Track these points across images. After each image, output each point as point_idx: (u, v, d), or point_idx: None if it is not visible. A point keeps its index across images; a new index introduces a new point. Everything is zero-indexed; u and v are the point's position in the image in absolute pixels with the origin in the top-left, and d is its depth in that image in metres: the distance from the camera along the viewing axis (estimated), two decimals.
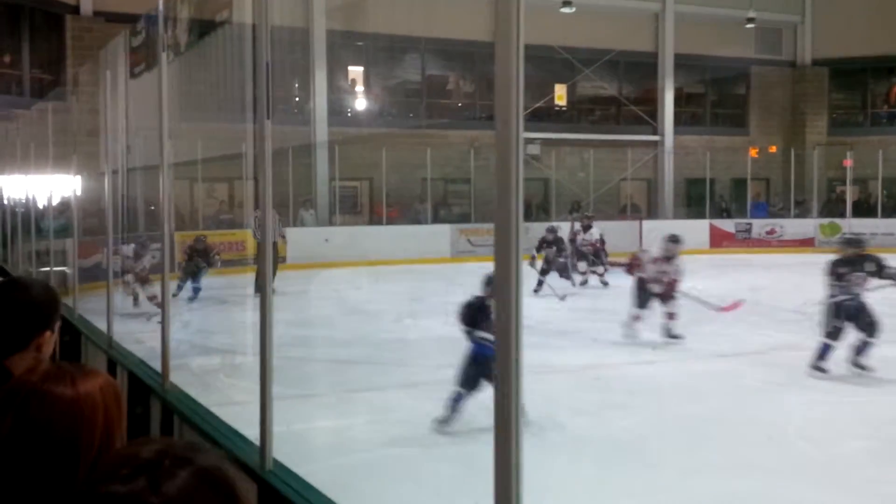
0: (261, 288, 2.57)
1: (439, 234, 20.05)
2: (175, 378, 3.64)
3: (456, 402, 5.88)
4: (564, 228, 15.84)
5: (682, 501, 4.57)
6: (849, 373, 7.77)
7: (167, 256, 4.21)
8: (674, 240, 10.19)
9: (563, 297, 12.35)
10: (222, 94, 15.68)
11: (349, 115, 21.84)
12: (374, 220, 21.23)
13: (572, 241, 15.66)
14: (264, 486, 2.33)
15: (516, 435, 1.45)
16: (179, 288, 12.23)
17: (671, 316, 9.64)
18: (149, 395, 3.59)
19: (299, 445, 5.67)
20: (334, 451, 5.59)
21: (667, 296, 9.74)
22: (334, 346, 9.48)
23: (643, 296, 9.85)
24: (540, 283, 13.53)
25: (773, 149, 25.50)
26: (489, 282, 5.97)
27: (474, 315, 6.04)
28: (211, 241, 14.23)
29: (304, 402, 6.96)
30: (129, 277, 11.33)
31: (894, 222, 22.87)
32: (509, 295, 1.47)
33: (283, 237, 15.23)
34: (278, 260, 14.13)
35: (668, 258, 9.98)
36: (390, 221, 20.66)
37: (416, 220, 20.94)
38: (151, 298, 10.71)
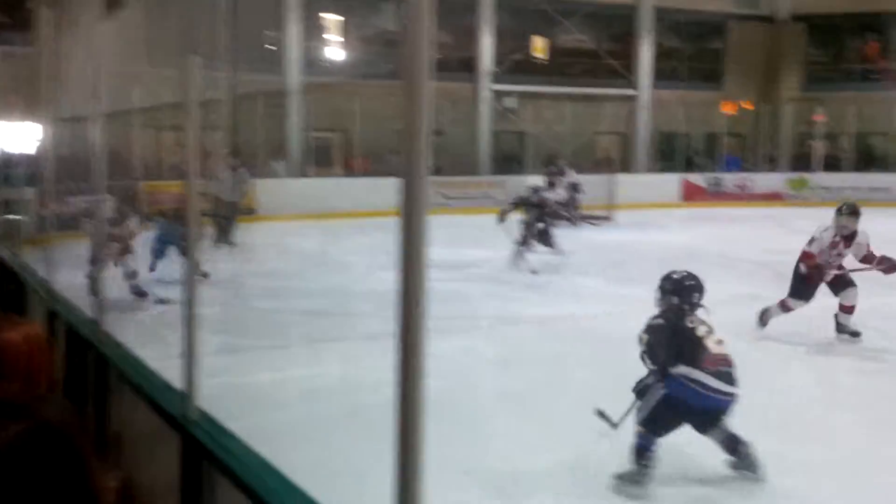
0: (185, 236, 2.54)
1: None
2: (118, 330, 3.63)
3: (644, 450, 4.38)
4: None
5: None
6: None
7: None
8: (852, 211, 8.03)
9: (535, 272, 11.21)
10: (194, 36, 15.40)
11: (324, 64, 21.61)
12: (348, 171, 21.17)
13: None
14: (186, 436, 2.33)
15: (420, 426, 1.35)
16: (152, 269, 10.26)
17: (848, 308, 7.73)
18: (86, 347, 3.58)
19: (266, 396, 5.76)
20: (300, 401, 5.66)
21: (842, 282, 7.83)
22: (304, 297, 9.52)
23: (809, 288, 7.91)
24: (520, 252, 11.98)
25: (749, 105, 25.59)
26: (678, 287, 4.84)
27: (667, 342, 4.48)
28: (174, 191, 14.08)
29: (272, 354, 7.03)
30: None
31: (862, 177, 23.13)
32: (414, 271, 1.37)
33: (246, 193, 14.89)
34: (237, 214, 14.02)
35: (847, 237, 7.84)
36: (364, 173, 20.60)
37: (390, 173, 20.87)
38: (130, 276, 8.89)
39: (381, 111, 20.58)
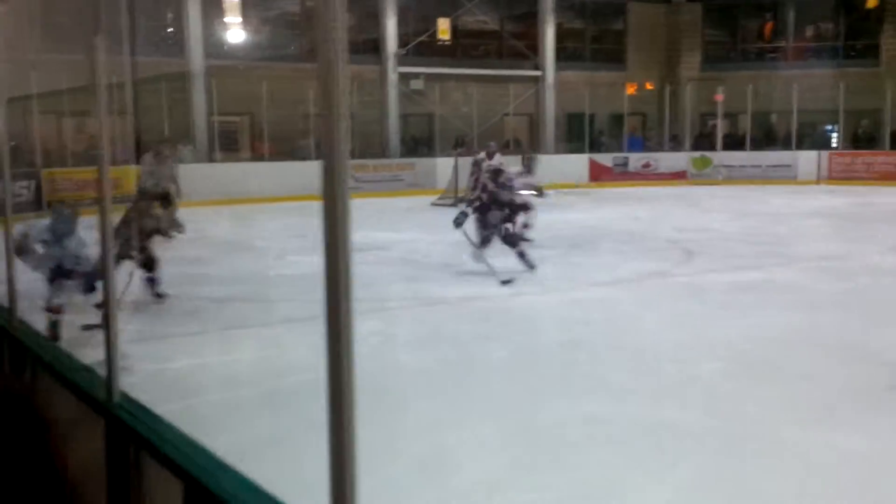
0: (101, 223, 2.48)
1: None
2: (35, 318, 3.54)
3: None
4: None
5: (544, 423, 4.79)
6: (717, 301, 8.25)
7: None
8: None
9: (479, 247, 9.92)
10: (94, 19, 14.83)
11: (226, 47, 21.14)
12: (255, 156, 20.80)
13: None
14: (111, 419, 2.30)
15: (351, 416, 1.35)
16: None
17: None
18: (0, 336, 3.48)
19: (181, 382, 5.66)
20: (215, 388, 5.58)
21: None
22: (217, 283, 9.36)
23: None
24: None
25: (650, 86, 26.21)
26: None
27: None
28: (81, 177, 13.58)
29: (187, 341, 6.90)
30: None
31: (762, 155, 24.03)
32: (340, 254, 1.35)
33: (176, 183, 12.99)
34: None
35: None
36: (271, 158, 20.28)
37: (300, 157, 20.63)
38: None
39: (287, 94, 20.27)
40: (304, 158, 20.47)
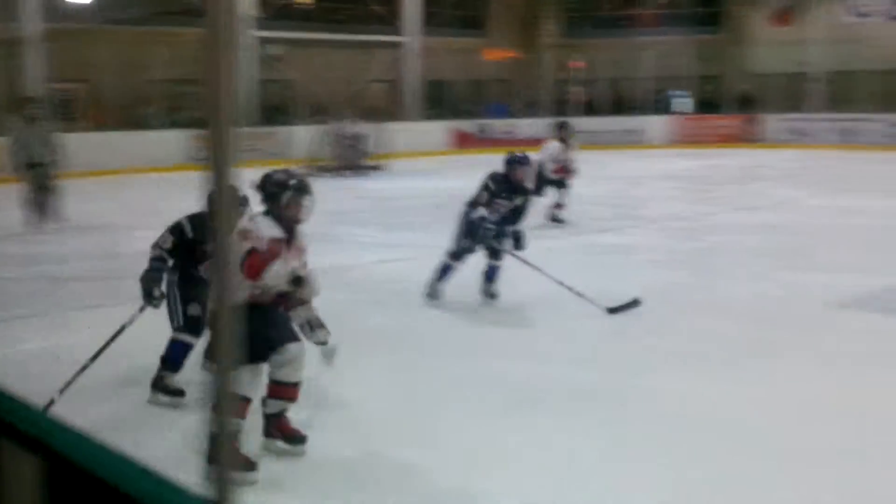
0: None
1: (171, 141, 18.81)
2: None
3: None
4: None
5: (429, 388, 4.77)
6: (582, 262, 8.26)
7: None
8: None
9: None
10: None
11: (63, 10, 19.68)
12: (96, 125, 19.48)
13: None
14: None
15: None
16: None
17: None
18: None
19: (11, 368, 5.11)
20: (54, 372, 5.06)
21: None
22: (55, 262, 8.67)
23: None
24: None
25: (511, 53, 26.34)
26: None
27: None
28: None
29: (27, 323, 6.32)
30: None
31: (618, 120, 24.61)
32: (225, 229, 1.26)
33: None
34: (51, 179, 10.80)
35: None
36: (113, 127, 19.06)
37: (145, 126, 19.54)
38: None
39: (130, 59, 19.11)
40: (149, 127, 19.41)
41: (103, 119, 19.43)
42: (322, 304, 6.48)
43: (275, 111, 22.89)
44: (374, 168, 18.06)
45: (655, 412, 4.35)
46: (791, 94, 24.00)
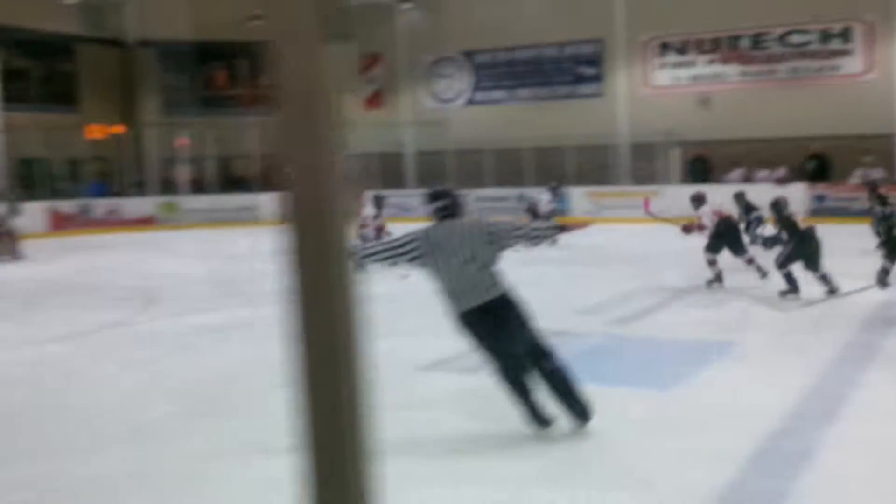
0: None
1: None
2: None
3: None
4: None
5: None
6: (175, 344, 8.41)
7: None
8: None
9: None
10: None
11: None
12: None
13: None
14: None
15: None
16: None
17: None
18: None
19: None
20: None
21: None
22: None
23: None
24: None
25: (110, 129, 25.60)
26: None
27: None
28: None
29: None
30: None
31: (227, 198, 24.94)
32: None
33: None
34: None
35: None
36: None
37: None
38: None
39: None
40: None
41: None
42: None
43: None
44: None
45: None
46: (389, 171, 26.02)
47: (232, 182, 26.60)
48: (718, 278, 10.56)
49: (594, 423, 5.07)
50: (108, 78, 26.27)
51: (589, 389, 5.16)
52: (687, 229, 10.98)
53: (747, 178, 20.70)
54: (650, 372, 6.75)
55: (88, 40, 25.68)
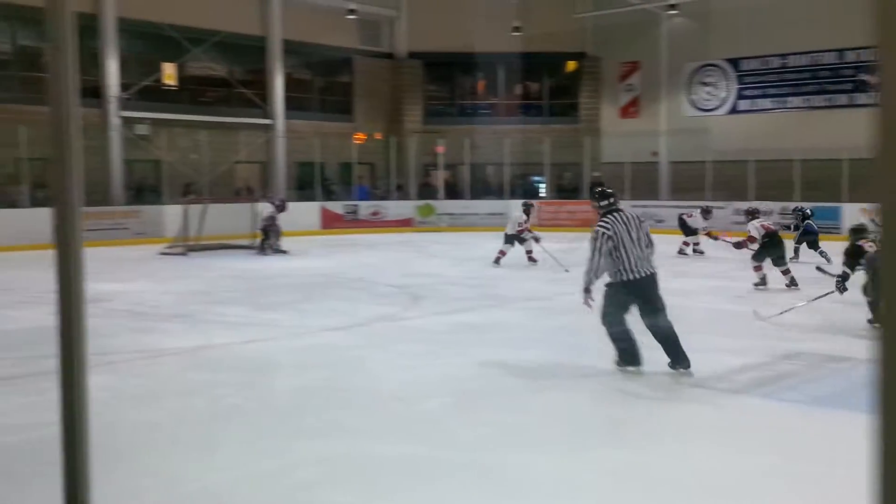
0: None
1: (40, 218, 18.53)
2: None
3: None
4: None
5: (283, 464, 4.93)
6: (440, 341, 8.77)
7: None
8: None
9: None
10: None
11: None
12: None
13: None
14: None
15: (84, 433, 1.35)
16: None
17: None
18: None
19: None
20: None
21: None
22: None
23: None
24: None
25: (377, 135, 27.25)
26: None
27: None
28: None
29: None
30: None
31: (479, 203, 25.72)
32: (71, 286, 1.33)
33: None
34: None
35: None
36: None
37: (12, 204, 19.14)
38: None
39: None
40: (16, 206, 19.05)
41: None
42: (177, 385, 6.77)
43: (141, 190, 22.81)
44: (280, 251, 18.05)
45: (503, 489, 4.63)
46: (641, 181, 25.67)
47: (483, 188, 27.34)
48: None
49: None
50: (378, 88, 27.98)
51: None
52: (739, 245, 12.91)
53: None
54: None
55: (364, 53, 27.50)
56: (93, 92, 21.26)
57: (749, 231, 12.56)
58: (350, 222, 24.38)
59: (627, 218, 6.95)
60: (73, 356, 1.20)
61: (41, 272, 14.32)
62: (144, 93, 22.45)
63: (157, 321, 9.66)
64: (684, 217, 17.61)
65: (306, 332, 9.29)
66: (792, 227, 16.42)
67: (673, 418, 6.03)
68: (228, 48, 24.59)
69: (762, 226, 12.56)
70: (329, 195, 25.46)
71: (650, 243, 6.94)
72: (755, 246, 12.40)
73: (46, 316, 7.51)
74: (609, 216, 6.95)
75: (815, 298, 10.00)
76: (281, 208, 17.99)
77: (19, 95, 20.02)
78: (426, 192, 26.89)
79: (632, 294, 6.84)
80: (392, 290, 12.59)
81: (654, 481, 4.62)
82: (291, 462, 4.94)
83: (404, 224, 24.91)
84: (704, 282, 13.30)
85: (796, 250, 15.38)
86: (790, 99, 24.50)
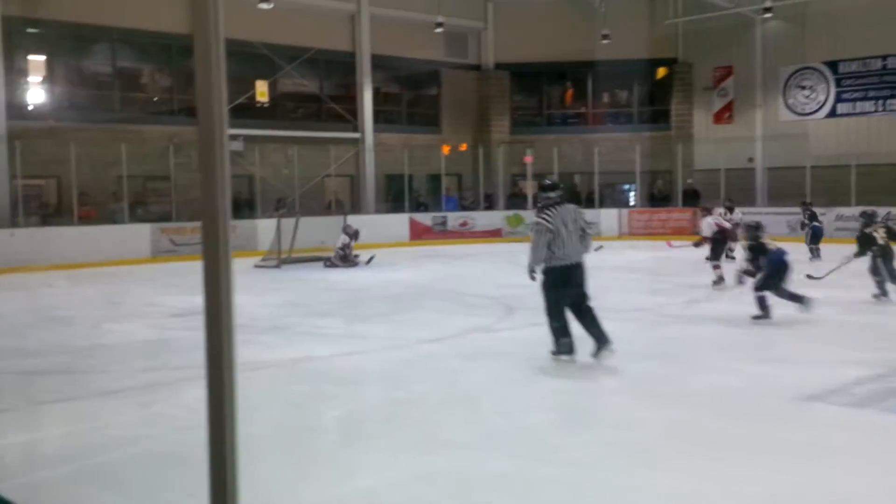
0: None
1: (138, 234, 19.15)
2: None
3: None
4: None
5: (388, 480, 4.84)
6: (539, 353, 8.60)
7: None
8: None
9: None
10: None
11: (31, 108, 20.10)
12: (65, 220, 19.72)
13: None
14: None
15: (232, 433, 1.38)
16: None
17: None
18: None
19: None
20: (27, 467, 5.24)
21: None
22: (24, 356, 8.78)
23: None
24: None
25: (464, 146, 27.22)
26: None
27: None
28: None
29: None
30: None
31: None
32: (220, 294, 1.37)
33: None
34: None
35: None
36: (83, 221, 19.29)
37: (113, 220, 19.80)
38: None
39: (97, 156, 19.49)
40: (116, 221, 19.68)
41: (88, 214, 19.63)
42: (278, 397, 6.78)
43: (237, 205, 23.29)
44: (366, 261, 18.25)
45: None
46: (736, 188, 24.92)
47: (573, 197, 26.96)
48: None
49: None
50: (465, 100, 27.98)
51: None
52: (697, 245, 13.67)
53: None
54: None
55: (451, 65, 27.56)
56: (190, 111, 21.84)
57: (702, 229, 13.26)
58: (438, 233, 24.40)
59: (567, 211, 7.70)
60: (224, 376, 1.17)
61: (139, 286, 14.70)
62: (238, 110, 22.92)
63: (256, 333, 9.75)
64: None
65: (402, 343, 9.24)
66: (800, 225, 16.30)
67: (801, 437, 5.67)
68: (319, 64, 24.97)
69: (715, 223, 13.22)
70: (418, 206, 25.54)
71: (585, 235, 7.75)
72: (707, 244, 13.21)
73: (144, 329, 7.65)
74: (551, 209, 7.64)
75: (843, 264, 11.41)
76: (354, 237, 18.12)
77: (120, 115, 20.73)
78: (515, 202, 26.71)
79: (561, 278, 7.66)
80: (484, 301, 12.46)
81: None
82: (391, 479, 4.86)
83: (493, 234, 24.78)
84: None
85: (813, 251, 15.48)
86: (891, 101, 23.46)
